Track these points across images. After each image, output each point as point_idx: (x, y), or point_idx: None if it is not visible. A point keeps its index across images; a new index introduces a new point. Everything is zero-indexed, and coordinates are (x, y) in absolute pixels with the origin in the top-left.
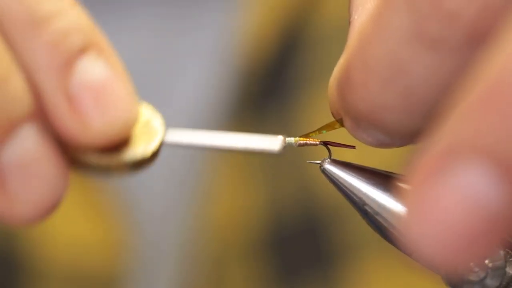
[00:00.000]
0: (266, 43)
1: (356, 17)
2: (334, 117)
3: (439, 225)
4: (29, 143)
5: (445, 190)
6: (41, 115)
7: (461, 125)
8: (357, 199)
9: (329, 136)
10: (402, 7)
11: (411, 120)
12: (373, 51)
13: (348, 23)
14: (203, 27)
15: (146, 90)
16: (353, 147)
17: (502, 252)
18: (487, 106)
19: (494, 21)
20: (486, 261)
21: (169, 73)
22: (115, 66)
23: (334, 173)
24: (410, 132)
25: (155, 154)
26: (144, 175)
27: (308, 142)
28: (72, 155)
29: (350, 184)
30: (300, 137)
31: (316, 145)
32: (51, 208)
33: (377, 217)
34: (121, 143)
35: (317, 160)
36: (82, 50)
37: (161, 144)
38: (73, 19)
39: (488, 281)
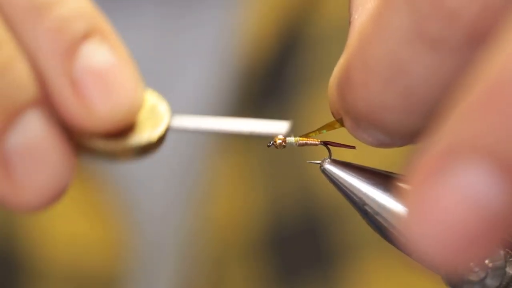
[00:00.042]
0: (266, 42)
1: (356, 16)
2: (334, 117)
3: (439, 225)
4: (34, 129)
5: (445, 190)
6: (46, 101)
7: (461, 125)
8: (357, 199)
9: (329, 136)
10: (402, 7)
11: (411, 120)
12: (373, 51)
13: (348, 23)
14: (203, 25)
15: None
16: (353, 147)
17: (502, 252)
18: (487, 106)
19: (494, 21)
20: (486, 261)
21: (169, 72)
22: (119, 52)
23: (334, 173)
24: (410, 132)
25: (161, 140)
26: (144, 175)
27: (308, 142)
28: (78, 141)
29: (350, 184)
30: (300, 136)
31: (316, 145)
32: (57, 194)
33: (377, 217)
34: (126, 129)
35: (317, 160)
36: (85, 36)
37: (167, 130)
38: (75, 5)
39: (488, 281)
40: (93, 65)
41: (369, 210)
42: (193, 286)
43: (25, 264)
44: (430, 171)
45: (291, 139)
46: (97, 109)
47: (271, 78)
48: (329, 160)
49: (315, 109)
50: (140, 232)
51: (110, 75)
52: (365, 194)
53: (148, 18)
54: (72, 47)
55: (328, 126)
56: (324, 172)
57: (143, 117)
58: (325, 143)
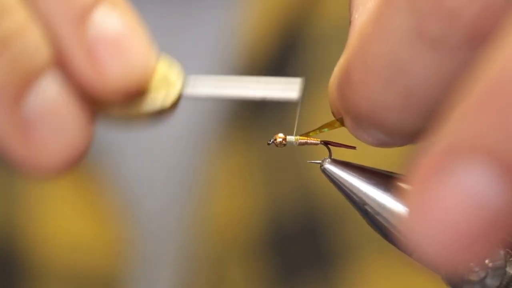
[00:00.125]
0: (266, 42)
1: (356, 16)
2: (335, 117)
3: (440, 225)
4: (51, 93)
5: (445, 190)
6: (60, 67)
7: (462, 125)
8: (357, 199)
9: (330, 136)
10: (403, 6)
11: (411, 120)
12: (374, 51)
13: (348, 22)
14: (203, 25)
15: None
16: (354, 147)
17: (502, 252)
18: (487, 106)
19: (494, 21)
20: (486, 261)
21: None
22: (130, 18)
23: (335, 173)
24: (410, 132)
25: (174, 105)
26: (144, 176)
27: (308, 141)
28: (94, 107)
29: (351, 184)
30: (300, 135)
31: (316, 144)
32: (74, 159)
33: (377, 216)
34: (141, 94)
35: (317, 160)
36: (96, 2)
37: (180, 95)
38: None
39: (488, 281)
40: (105, 30)
41: (369, 210)
42: (193, 286)
43: (25, 264)
44: (431, 171)
45: (291, 138)
46: (110, 73)
47: None
48: (329, 160)
49: (315, 109)
50: (140, 232)
51: (121, 39)
52: (365, 194)
53: (148, 18)
54: (83, 13)
55: (328, 126)
56: (325, 171)
57: (156, 83)
58: (326, 143)
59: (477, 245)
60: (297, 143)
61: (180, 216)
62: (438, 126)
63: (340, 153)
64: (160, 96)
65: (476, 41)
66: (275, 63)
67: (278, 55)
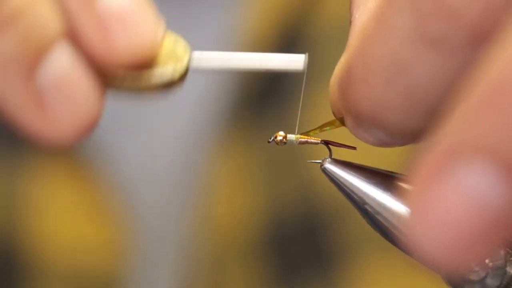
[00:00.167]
0: (266, 42)
1: (357, 16)
2: (335, 116)
3: (441, 225)
4: (63, 63)
5: (447, 190)
6: (72, 39)
7: (463, 125)
8: (357, 199)
9: (330, 136)
10: (405, 6)
11: (413, 120)
12: (375, 51)
13: (348, 22)
14: (203, 25)
15: None
16: (354, 148)
17: (502, 252)
18: (488, 106)
19: (495, 21)
20: (487, 261)
21: None
22: None
23: (335, 173)
24: (411, 132)
25: (182, 77)
26: (144, 176)
27: (309, 140)
28: (104, 78)
29: (351, 184)
30: (301, 134)
31: (317, 143)
32: (89, 128)
33: (377, 216)
34: (150, 65)
35: (318, 160)
36: None
37: (187, 68)
38: None
39: (489, 281)
40: (113, 3)
41: (369, 209)
42: (193, 286)
43: (25, 263)
44: (432, 171)
45: (292, 137)
46: (119, 45)
47: (271, 78)
48: (329, 159)
49: (315, 109)
50: (140, 232)
51: (129, 12)
52: (365, 193)
53: None
54: None
55: (329, 125)
56: (325, 171)
57: (164, 56)
58: (326, 142)
59: (478, 245)
60: (298, 142)
61: (180, 216)
62: (439, 126)
63: (340, 153)
64: (168, 69)
65: (477, 41)
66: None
67: None
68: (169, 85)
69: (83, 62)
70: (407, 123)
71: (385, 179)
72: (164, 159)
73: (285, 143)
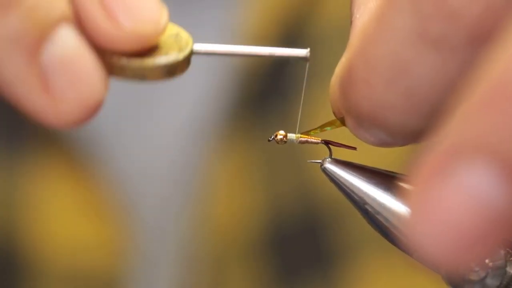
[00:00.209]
0: (266, 42)
1: (358, 16)
2: (335, 116)
3: (442, 225)
4: (68, 43)
5: (448, 190)
6: (77, 21)
7: (464, 125)
8: (357, 198)
9: (331, 136)
10: (405, 7)
11: (414, 120)
12: (376, 51)
13: (349, 22)
14: (203, 25)
15: (145, 88)
16: (354, 148)
17: (502, 252)
18: (490, 106)
19: (496, 21)
20: (487, 261)
21: None
22: None
23: (335, 172)
24: (412, 132)
25: (187, 60)
26: (143, 176)
27: (309, 140)
28: (108, 64)
29: (351, 184)
30: (301, 134)
31: (317, 143)
32: (94, 109)
33: (377, 216)
34: (154, 50)
35: (318, 160)
36: None
37: (192, 51)
38: None
39: (489, 281)
40: None
41: (369, 209)
42: (193, 286)
43: (25, 264)
44: (433, 171)
45: (292, 136)
46: (124, 25)
47: (271, 78)
48: (329, 159)
49: (316, 109)
50: (140, 232)
51: None
52: (365, 193)
53: None
54: None
55: (329, 125)
56: (325, 171)
57: (169, 41)
58: (326, 142)
59: (479, 245)
60: (298, 141)
61: (180, 216)
62: (440, 126)
63: (340, 153)
64: (173, 52)
65: (478, 41)
66: (276, 63)
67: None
68: (171, 73)
69: (88, 43)
70: (408, 123)
71: (385, 179)
72: (164, 159)
73: (285, 142)
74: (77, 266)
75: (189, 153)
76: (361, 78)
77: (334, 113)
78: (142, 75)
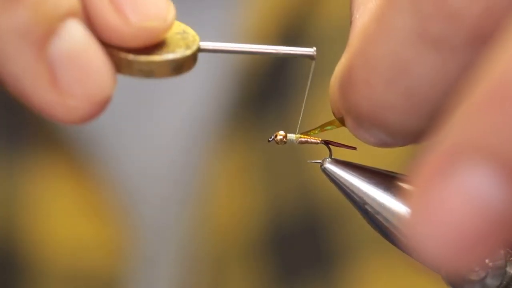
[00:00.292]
0: (267, 42)
1: (357, 16)
2: (335, 116)
3: (443, 226)
4: (76, 37)
5: (449, 191)
6: (85, 15)
7: (465, 125)
8: (357, 199)
9: (330, 136)
10: (405, 7)
11: (414, 120)
12: (376, 51)
13: (349, 22)
14: (203, 25)
15: (145, 88)
16: (354, 148)
17: (502, 252)
18: (490, 106)
19: (496, 21)
20: (487, 261)
21: None
22: None
23: (335, 172)
24: (412, 132)
25: (193, 57)
26: (143, 176)
27: (309, 140)
28: (116, 57)
29: (351, 184)
30: (301, 134)
31: (317, 143)
32: (102, 104)
33: (377, 216)
34: (162, 46)
35: (318, 160)
36: None
37: (199, 48)
38: None
39: (489, 281)
40: None
41: (369, 209)
42: (193, 286)
43: (25, 264)
44: (434, 171)
45: (292, 136)
46: (131, 20)
47: (271, 78)
48: (329, 159)
49: (316, 109)
50: (140, 232)
51: None
52: (365, 193)
53: None
54: None
55: (329, 125)
56: (325, 171)
57: (175, 38)
58: (326, 142)
59: (479, 246)
60: (298, 142)
61: (180, 216)
62: (440, 127)
63: (340, 153)
64: (180, 49)
65: (478, 41)
66: (275, 63)
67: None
68: (178, 69)
69: (96, 37)
70: (408, 124)
71: (385, 179)
72: (164, 159)
73: (285, 142)
74: (77, 266)
75: (189, 153)
76: (361, 78)
77: (333, 113)
78: (149, 72)
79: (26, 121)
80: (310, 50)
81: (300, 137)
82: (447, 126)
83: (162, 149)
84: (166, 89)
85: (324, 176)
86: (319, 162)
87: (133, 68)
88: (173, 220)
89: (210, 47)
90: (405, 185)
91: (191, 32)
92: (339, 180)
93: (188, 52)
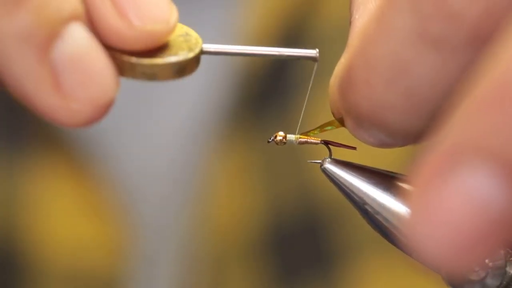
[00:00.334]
0: (266, 43)
1: (357, 16)
2: (334, 117)
3: (443, 226)
4: (79, 40)
5: (449, 191)
6: (88, 18)
7: (465, 126)
8: (357, 199)
9: (330, 136)
10: (405, 7)
11: (414, 120)
12: (376, 51)
13: (348, 23)
14: (203, 25)
15: (145, 88)
16: (354, 148)
17: (502, 252)
18: (491, 107)
19: (496, 21)
20: (487, 261)
21: None
22: None
23: (335, 173)
24: (412, 133)
25: (196, 60)
26: (143, 175)
27: (309, 140)
28: (119, 60)
29: (351, 184)
30: (300, 134)
31: (316, 143)
32: (105, 107)
33: (377, 216)
34: (164, 49)
35: (318, 160)
36: None
37: (202, 51)
38: None
39: (489, 281)
40: None
41: (369, 209)
42: (193, 285)
43: (25, 264)
44: (434, 172)
45: (292, 137)
46: (135, 22)
47: (271, 79)
48: (329, 159)
49: (316, 109)
50: (140, 232)
51: None
52: (365, 193)
53: None
54: None
55: (329, 125)
56: (325, 171)
57: (178, 41)
58: (326, 142)
59: (479, 246)
60: (297, 142)
61: (180, 215)
62: (440, 127)
63: (340, 153)
64: (183, 51)
65: (478, 41)
66: (276, 64)
67: None
68: (181, 72)
69: (99, 41)
70: (408, 124)
71: (385, 179)
72: (164, 159)
73: (284, 143)
74: (77, 266)
75: (189, 153)
76: (361, 78)
77: (333, 113)
78: (152, 74)
79: (26, 121)
80: (312, 52)
81: (300, 138)
82: (447, 126)
83: (162, 148)
84: (166, 88)
85: (324, 176)
86: (319, 162)
87: (136, 71)
88: (173, 220)
89: (213, 50)
90: (405, 185)
91: (194, 34)
92: (339, 180)
93: (191, 54)
